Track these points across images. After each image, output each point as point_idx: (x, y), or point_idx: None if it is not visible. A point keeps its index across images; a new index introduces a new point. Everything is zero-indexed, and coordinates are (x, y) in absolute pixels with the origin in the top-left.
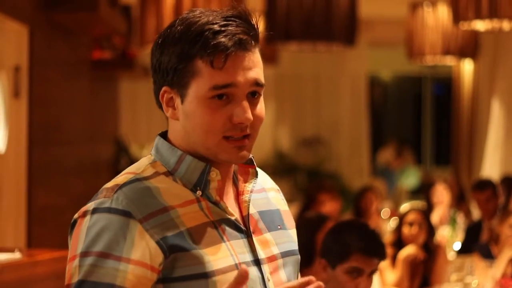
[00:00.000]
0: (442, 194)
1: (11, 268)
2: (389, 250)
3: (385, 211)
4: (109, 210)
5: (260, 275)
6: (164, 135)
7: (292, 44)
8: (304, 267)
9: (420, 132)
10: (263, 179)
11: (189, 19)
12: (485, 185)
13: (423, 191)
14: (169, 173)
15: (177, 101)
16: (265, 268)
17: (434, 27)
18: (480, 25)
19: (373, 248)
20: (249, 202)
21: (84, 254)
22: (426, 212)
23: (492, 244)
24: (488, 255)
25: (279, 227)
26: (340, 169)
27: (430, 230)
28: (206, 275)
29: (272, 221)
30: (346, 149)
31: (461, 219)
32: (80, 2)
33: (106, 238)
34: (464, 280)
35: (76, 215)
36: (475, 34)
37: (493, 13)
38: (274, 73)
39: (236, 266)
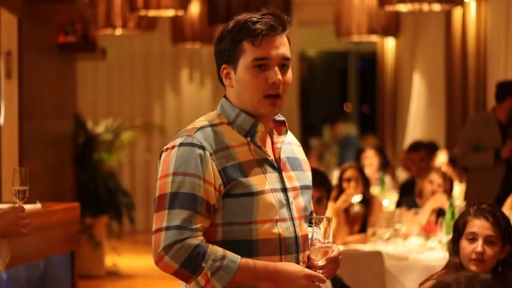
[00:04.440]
0: (371, 158)
1: (34, 216)
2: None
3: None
4: (192, 144)
5: (286, 199)
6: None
7: None
8: None
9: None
10: (291, 137)
11: (237, 18)
12: (419, 146)
13: (354, 157)
14: (229, 124)
15: (232, 73)
16: (290, 194)
17: (360, 8)
18: (403, 7)
19: (318, 180)
20: (280, 149)
21: (175, 174)
22: (361, 168)
23: (417, 197)
24: (414, 206)
25: (299, 169)
26: None
27: (366, 183)
28: (252, 194)
29: (295, 164)
30: None
31: (388, 180)
32: None
33: (190, 163)
34: (394, 227)
35: (165, 147)
36: (397, 15)
37: None
38: (211, 51)
39: (271, 190)
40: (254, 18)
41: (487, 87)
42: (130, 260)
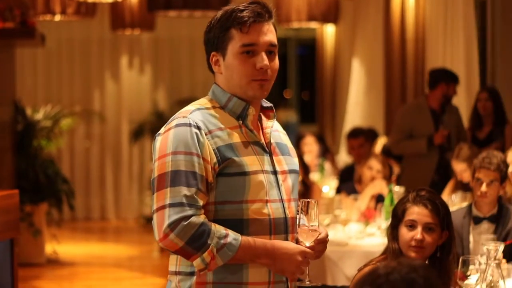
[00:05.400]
0: (311, 145)
1: None
2: None
3: None
4: (189, 125)
5: (276, 181)
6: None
7: (171, 12)
8: None
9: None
10: (277, 125)
11: (225, 8)
12: (358, 132)
13: (294, 143)
14: (221, 108)
15: (220, 60)
16: (279, 177)
17: None
18: None
19: None
20: (270, 133)
21: (174, 153)
22: (300, 155)
23: (356, 183)
24: (353, 192)
25: (288, 154)
26: None
27: (305, 169)
28: (244, 173)
29: (283, 149)
30: None
31: (328, 166)
32: None
33: (188, 142)
34: (334, 213)
35: (161, 130)
36: (337, 1)
37: None
38: (151, 37)
39: (262, 171)
40: (241, 7)
41: (425, 74)
42: (70, 248)
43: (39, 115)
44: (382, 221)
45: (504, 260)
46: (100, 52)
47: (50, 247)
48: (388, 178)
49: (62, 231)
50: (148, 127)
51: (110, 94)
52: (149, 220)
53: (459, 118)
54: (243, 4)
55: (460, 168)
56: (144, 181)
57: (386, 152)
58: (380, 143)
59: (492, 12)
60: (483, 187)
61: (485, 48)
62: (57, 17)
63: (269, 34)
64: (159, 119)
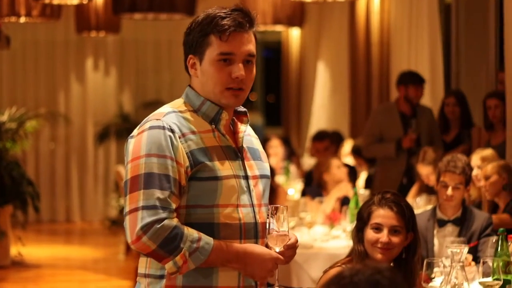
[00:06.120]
0: (276, 147)
1: None
2: None
3: None
4: (163, 127)
5: (247, 185)
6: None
7: (137, 15)
8: None
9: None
10: (250, 129)
11: (206, 12)
12: (323, 135)
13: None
14: (194, 111)
15: (197, 64)
16: (250, 182)
17: None
18: None
19: None
20: (242, 138)
21: (148, 155)
22: None
23: (322, 187)
24: (318, 195)
25: (259, 159)
26: None
27: (271, 172)
28: (216, 178)
29: (255, 154)
30: None
31: (293, 169)
32: None
33: (162, 144)
34: (299, 216)
35: (134, 132)
36: (302, 4)
37: None
38: (116, 40)
39: (234, 176)
40: (223, 14)
41: (390, 78)
42: (35, 250)
43: (3, 117)
44: (347, 224)
45: (473, 263)
46: (65, 54)
47: (15, 249)
48: (352, 180)
49: (27, 233)
50: (114, 129)
51: (75, 96)
52: (114, 222)
53: (432, 120)
54: (225, 11)
55: (426, 171)
56: (110, 183)
57: (356, 151)
58: (349, 144)
59: (456, 16)
60: (449, 191)
61: (449, 51)
62: (22, 19)
63: (248, 44)
64: (125, 121)
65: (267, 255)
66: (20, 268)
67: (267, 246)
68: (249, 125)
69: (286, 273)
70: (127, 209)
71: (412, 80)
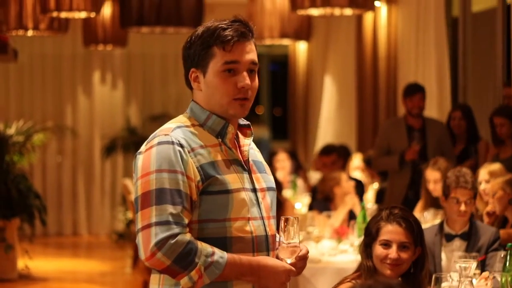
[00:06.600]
0: (283, 161)
1: None
2: None
3: None
4: (172, 142)
5: (256, 198)
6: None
7: (144, 29)
8: None
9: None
10: (253, 144)
11: (205, 25)
12: (330, 149)
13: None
14: (200, 125)
15: (200, 77)
16: (259, 194)
17: (272, 12)
18: (315, 11)
19: None
20: (248, 151)
21: (159, 171)
22: (273, 172)
23: (329, 201)
24: (326, 209)
25: (264, 172)
26: None
27: (278, 186)
28: (227, 191)
29: (260, 167)
30: None
31: (300, 183)
32: None
33: (172, 160)
34: (307, 230)
35: (142, 148)
36: (309, 18)
37: (325, 3)
38: (123, 53)
39: (243, 189)
40: (224, 25)
41: (397, 91)
42: (42, 263)
43: (11, 130)
44: (355, 238)
45: (487, 273)
46: (72, 68)
47: (22, 263)
48: (359, 194)
49: (34, 247)
50: (120, 142)
51: (83, 110)
52: (121, 235)
53: (444, 133)
54: (226, 22)
55: (434, 176)
56: (117, 196)
57: (369, 162)
58: (358, 157)
59: (463, 30)
60: (463, 207)
61: (456, 65)
62: (30, 33)
63: (251, 53)
64: (131, 135)
65: (281, 267)
66: (27, 281)
67: (277, 257)
68: (255, 139)
69: (293, 287)
70: (139, 225)
71: (409, 91)
